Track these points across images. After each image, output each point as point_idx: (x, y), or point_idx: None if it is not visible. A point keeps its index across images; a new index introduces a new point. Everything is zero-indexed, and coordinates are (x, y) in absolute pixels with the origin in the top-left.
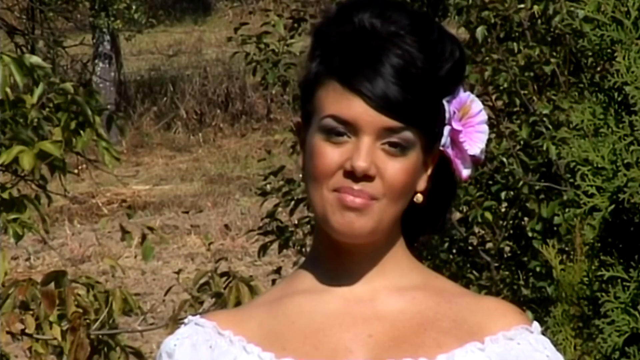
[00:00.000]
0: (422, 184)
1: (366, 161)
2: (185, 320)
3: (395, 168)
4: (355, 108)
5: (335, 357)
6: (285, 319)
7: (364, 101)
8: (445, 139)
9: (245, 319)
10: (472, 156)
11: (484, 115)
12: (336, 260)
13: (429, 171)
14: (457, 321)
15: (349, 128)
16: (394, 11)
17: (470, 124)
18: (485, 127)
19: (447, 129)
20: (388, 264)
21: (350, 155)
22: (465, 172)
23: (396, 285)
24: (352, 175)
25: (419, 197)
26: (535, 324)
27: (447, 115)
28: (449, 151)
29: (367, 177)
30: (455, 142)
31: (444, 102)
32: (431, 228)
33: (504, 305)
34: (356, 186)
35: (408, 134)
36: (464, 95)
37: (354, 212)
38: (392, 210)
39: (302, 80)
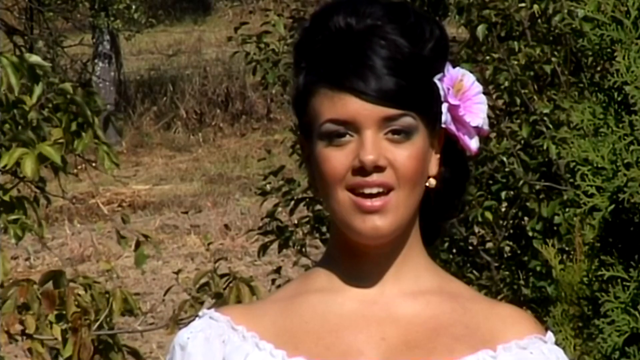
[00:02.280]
0: (433, 168)
1: (373, 153)
2: (200, 314)
3: (403, 155)
4: (351, 105)
5: (346, 358)
6: (298, 318)
7: (358, 97)
8: (445, 116)
9: (259, 315)
10: (476, 127)
11: (478, 86)
12: (352, 261)
13: (438, 153)
14: (471, 327)
15: (349, 127)
16: (366, 5)
17: (467, 98)
18: (483, 97)
19: (445, 106)
20: (404, 266)
21: (357, 153)
22: (473, 145)
23: (411, 289)
24: (362, 171)
25: (431, 182)
26: (550, 334)
27: (441, 93)
28: (452, 128)
29: (378, 169)
30: (456, 118)
31: (436, 80)
32: (453, 210)
33: (518, 313)
34: (369, 178)
35: (408, 119)
36: (454, 72)
37: (374, 214)
38: (410, 201)
39: (293, 96)
